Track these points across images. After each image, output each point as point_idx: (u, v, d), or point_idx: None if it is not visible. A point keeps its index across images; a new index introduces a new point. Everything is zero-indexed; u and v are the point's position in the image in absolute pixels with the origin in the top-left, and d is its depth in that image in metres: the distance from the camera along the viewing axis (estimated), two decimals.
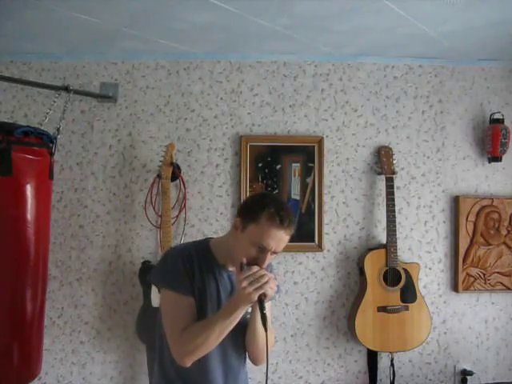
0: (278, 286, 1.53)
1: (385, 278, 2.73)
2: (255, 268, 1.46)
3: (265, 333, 1.45)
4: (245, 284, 1.42)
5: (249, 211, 1.52)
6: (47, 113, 2.55)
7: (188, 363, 1.50)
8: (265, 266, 1.50)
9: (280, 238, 1.49)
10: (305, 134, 2.93)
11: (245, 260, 1.48)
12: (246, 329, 1.60)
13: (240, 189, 2.85)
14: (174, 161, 2.77)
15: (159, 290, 1.62)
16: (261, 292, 1.42)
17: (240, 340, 1.63)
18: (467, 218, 2.91)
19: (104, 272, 2.86)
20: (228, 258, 1.60)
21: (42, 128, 2.39)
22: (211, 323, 1.47)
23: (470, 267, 2.90)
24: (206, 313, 1.55)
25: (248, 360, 1.70)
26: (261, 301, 1.44)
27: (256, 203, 1.54)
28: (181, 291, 1.52)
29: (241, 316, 1.48)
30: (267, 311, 1.47)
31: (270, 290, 1.44)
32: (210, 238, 1.71)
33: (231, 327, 1.48)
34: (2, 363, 2.16)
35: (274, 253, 1.51)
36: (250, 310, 1.55)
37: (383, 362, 2.87)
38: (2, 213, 2.15)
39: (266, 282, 1.43)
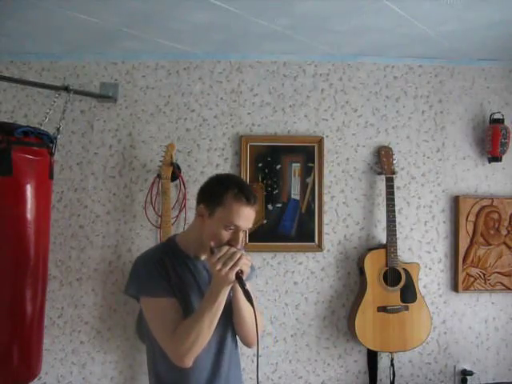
0: (252, 266, 1.56)
1: (385, 278, 2.73)
2: (225, 248, 1.48)
3: (252, 309, 1.46)
4: (219, 266, 1.43)
5: (212, 196, 1.53)
6: (47, 113, 2.55)
7: (189, 363, 1.49)
8: (239, 246, 1.53)
9: (248, 215, 1.52)
10: (305, 133, 2.93)
11: (213, 243, 1.50)
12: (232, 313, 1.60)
13: None
14: (174, 161, 2.77)
15: (138, 301, 1.57)
16: (236, 269, 1.44)
17: (230, 325, 1.64)
18: (467, 218, 2.91)
19: (104, 272, 2.86)
20: (199, 248, 1.60)
21: (42, 128, 2.38)
22: (199, 315, 1.47)
23: (469, 267, 2.90)
24: (192, 308, 1.54)
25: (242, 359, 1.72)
26: (239, 278, 1.46)
27: (217, 186, 1.55)
28: (161, 295, 1.51)
29: (225, 300, 1.49)
30: (249, 288, 1.48)
31: (244, 265, 1.47)
32: (174, 234, 1.71)
33: (219, 314, 1.49)
34: (1, 363, 2.15)
35: (244, 231, 1.55)
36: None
37: (383, 362, 2.87)
38: (2, 213, 2.15)
39: (239, 259, 1.45)
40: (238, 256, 1.46)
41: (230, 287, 1.49)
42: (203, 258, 1.62)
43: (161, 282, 1.52)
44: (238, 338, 1.71)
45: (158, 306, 1.51)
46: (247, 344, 1.70)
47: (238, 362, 1.75)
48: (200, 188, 1.63)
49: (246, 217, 1.52)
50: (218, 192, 1.53)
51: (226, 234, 1.51)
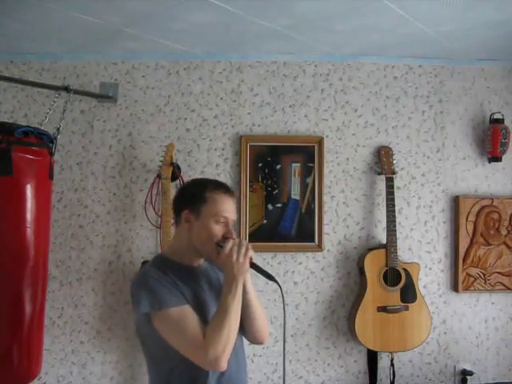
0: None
1: (385, 278, 2.73)
2: (231, 240, 1.52)
3: (278, 286, 1.55)
4: (235, 256, 1.47)
5: (194, 197, 1.56)
6: (47, 113, 2.55)
7: (225, 364, 1.46)
8: (235, 236, 1.57)
9: (231, 204, 1.58)
10: (305, 133, 2.93)
11: (216, 240, 1.53)
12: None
13: (240, 189, 2.85)
14: (174, 161, 2.77)
15: (149, 320, 1.49)
16: (249, 256, 1.50)
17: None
18: (467, 218, 2.91)
19: (104, 272, 2.86)
20: (192, 256, 1.61)
21: (42, 128, 2.38)
22: (224, 313, 1.46)
23: (470, 267, 2.90)
24: (207, 312, 1.53)
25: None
26: (253, 264, 1.52)
27: (194, 187, 1.61)
28: (177, 303, 1.48)
29: (241, 290, 1.52)
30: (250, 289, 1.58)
31: (251, 251, 1.52)
32: (159, 253, 1.73)
33: (240, 305, 1.51)
34: (1, 363, 2.15)
35: (233, 221, 1.60)
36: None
37: (383, 362, 2.87)
38: (2, 213, 2.15)
39: (247, 247, 1.51)
40: (245, 243, 1.51)
41: (244, 277, 1.52)
42: (196, 264, 1.64)
43: (173, 292, 1.49)
44: (245, 337, 1.69)
45: (177, 316, 1.46)
46: (259, 340, 1.70)
47: (245, 361, 1.73)
48: (176, 198, 1.65)
49: (231, 206, 1.58)
50: (197, 191, 1.57)
51: (218, 229, 1.55)
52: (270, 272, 1.55)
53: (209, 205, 1.54)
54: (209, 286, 1.62)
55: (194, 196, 1.56)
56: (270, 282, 2.81)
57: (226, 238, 1.54)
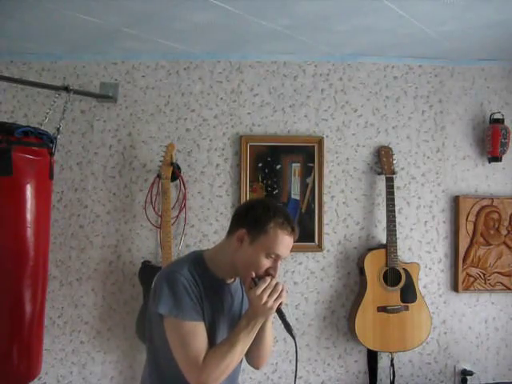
0: None
1: (385, 278, 2.73)
2: (268, 279, 1.47)
3: (294, 341, 1.48)
4: (264, 299, 1.43)
5: (257, 223, 1.49)
6: (47, 113, 2.55)
7: None
8: (277, 274, 1.52)
9: (290, 244, 1.52)
10: (305, 133, 2.93)
11: (254, 274, 1.48)
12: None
13: (240, 189, 2.85)
14: (174, 161, 2.77)
15: (162, 319, 1.47)
16: (280, 301, 1.46)
17: None
18: (467, 218, 2.91)
19: (104, 272, 2.86)
20: (228, 272, 1.56)
21: (42, 128, 2.38)
22: (232, 345, 1.44)
23: (470, 267, 2.90)
24: (216, 334, 1.53)
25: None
26: (280, 310, 1.47)
27: (263, 213, 1.50)
28: (193, 318, 1.45)
29: (258, 328, 1.48)
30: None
31: (284, 297, 1.48)
32: (200, 251, 1.64)
33: (250, 342, 1.48)
34: (1, 363, 2.15)
35: (284, 258, 1.54)
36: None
37: (383, 362, 2.87)
38: (2, 213, 2.15)
39: (282, 290, 1.46)
40: (280, 288, 1.46)
41: (267, 318, 1.49)
42: (229, 281, 1.60)
43: (195, 306, 1.46)
44: (245, 357, 1.65)
45: (188, 330, 1.44)
46: (255, 365, 1.69)
47: (239, 373, 1.72)
48: (240, 211, 1.58)
49: (288, 246, 1.51)
50: (263, 219, 1.48)
51: (265, 262, 1.49)
52: (291, 326, 1.50)
53: (268, 238, 1.47)
54: (231, 306, 1.60)
55: (257, 221, 1.49)
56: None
57: (267, 273, 1.49)
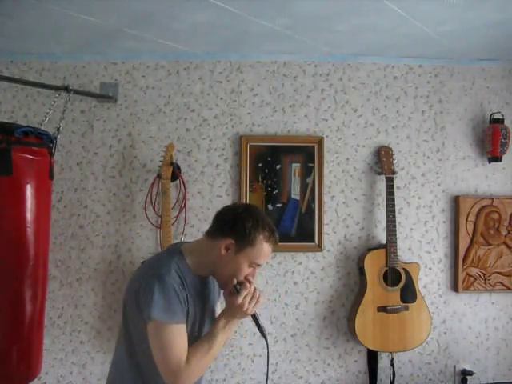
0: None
1: (385, 278, 2.73)
2: (247, 285, 1.55)
3: (266, 343, 1.63)
4: (245, 307, 1.52)
5: (246, 236, 1.52)
6: (47, 113, 2.55)
7: None
8: (253, 279, 1.60)
9: (270, 253, 1.60)
10: (305, 133, 2.93)
11: (235, 281, 1.55)
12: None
13: (240, 189, 2.85)
14: (174, 161, 2.77)
15: (147, 322, 1.48)
16: (257, 306, 1.56)
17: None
18: (467, 218, 2.91)
19: (104, 272, 2.86)
20: (206, 270, 1.60)
21: (42, 128, 2.38)
22: (211, 345, 1.51)
23: (470, 267, 2.90)
24: (202, 327, 1.61)
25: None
26: (254, 315, 1.59)
27: (249, 226, 1.52)
28: (182, 321, 1.50)
29: (234, 329, 1.60)
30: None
31: (261, 302, 1.58)
32: (179, 245, 1.64)
33: (225, 341, 1.57)
34: (1, 363, 2.15)
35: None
36: None
37: (383, 362, 2.87)
38: (2, 213, 2.15)
39: (259, 296, 1.56)
40: (258, 294, 1.56)
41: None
42: (206, 275, 1.64)
43: (182, 308, 1.50)
44: None
45: (172, 333, 1.47)
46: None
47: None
48: (228, 219, 1.57)
49: (269, 255, 1.60)
50: (252, 233, 1.52)
51: (247, 270, 1.57)
52: (264, 328, 1.62)
53: (254, 250, 1.54)
54: (209, 298, 1.67)
55: (246, 234, 1.52)
56: (271, 282, 2.87)
57: (246, 279, 1.57)
